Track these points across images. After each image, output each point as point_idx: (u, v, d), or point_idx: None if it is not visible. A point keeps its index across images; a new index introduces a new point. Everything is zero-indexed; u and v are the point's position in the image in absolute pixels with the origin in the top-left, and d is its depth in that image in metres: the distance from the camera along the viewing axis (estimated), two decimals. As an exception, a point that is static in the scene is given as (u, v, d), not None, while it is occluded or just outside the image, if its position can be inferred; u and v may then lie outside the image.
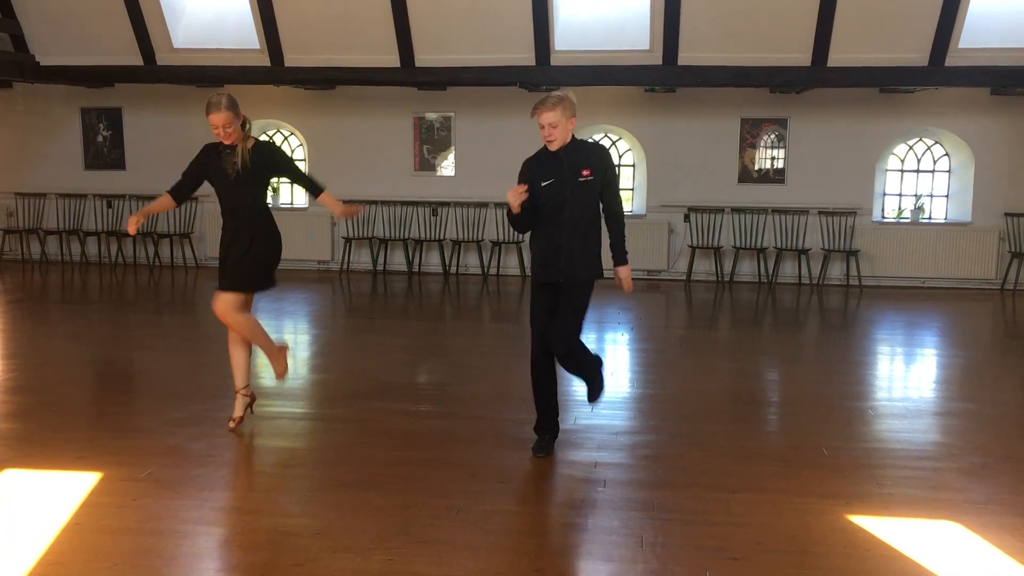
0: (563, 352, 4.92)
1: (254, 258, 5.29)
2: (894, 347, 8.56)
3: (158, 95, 12.71)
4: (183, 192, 5.36)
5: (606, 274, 5.01)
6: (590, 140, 5.05)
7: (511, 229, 8.28)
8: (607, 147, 5.59)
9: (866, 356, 8.17)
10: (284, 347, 5.73)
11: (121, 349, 8.18)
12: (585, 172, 4.83)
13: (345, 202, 5.71)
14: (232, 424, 5.44)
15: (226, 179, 5.21)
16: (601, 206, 4.99)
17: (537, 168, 4.89)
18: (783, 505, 4.35)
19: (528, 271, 8.60)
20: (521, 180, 4.90)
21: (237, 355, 5.48)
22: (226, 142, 5.18)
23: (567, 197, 4.82)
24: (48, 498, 4.34)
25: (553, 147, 4.84)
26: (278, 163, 5.39)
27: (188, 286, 11.55)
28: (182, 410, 5.81)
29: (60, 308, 10.27)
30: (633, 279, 5.16)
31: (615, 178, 5.06)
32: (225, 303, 5.27)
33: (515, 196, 4.73)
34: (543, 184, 4.84)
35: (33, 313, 9.75)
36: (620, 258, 5.07)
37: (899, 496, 4.52)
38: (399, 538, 3.93)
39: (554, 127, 4.76)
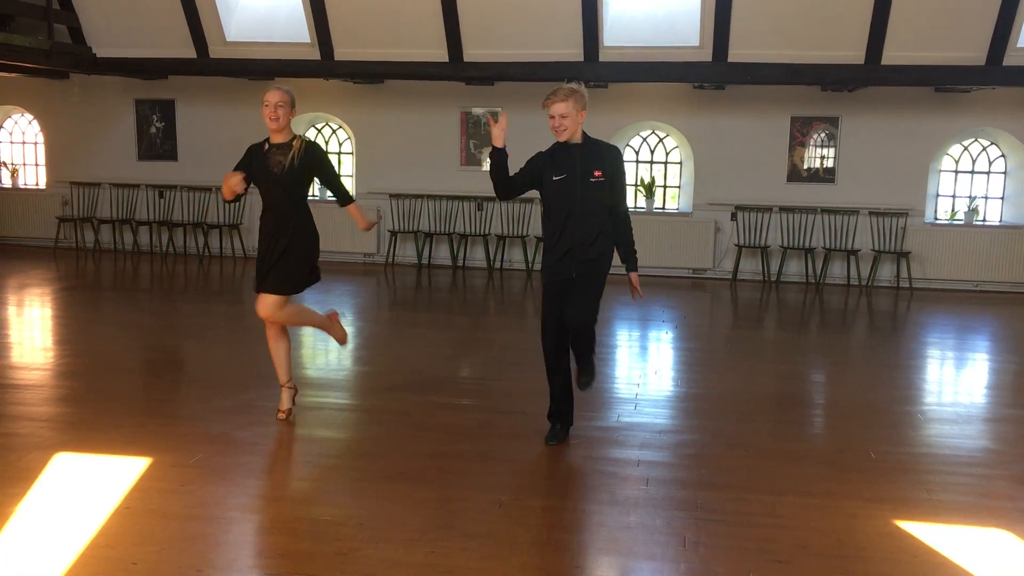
0: (580, 323, 4.91)
1: (294, 263, 5.29)
2: (944, 351, 8.41)
3: (210, 87, 12.92)
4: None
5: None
6: (603, 141, 5.07)
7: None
8: (620, 149, 5.57)
9: (916, 360, 8.02)
10: (334, 315, 5.85)
11: (171, 337, 8.32)
12: (597, 173, 4.88)
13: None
14: (282, 415, 5.51)
15: (270, 176, 5.20)
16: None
17: (549, 162, 4.93)
18: (829, 509, 4.30)
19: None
20: (529, 169, 4.97)
21: (279, 350, 5.52)
22: (271, 125, 5.19)
23: (578, 195, 4.86)
24: (99, 482, 4.43)
25: (562, 138, 4.89)
26: (323, 166, 5.37)
27: (237, 276, 11.70)
28: (230, 399, 5.90)
29: (112, 296, 10.48)
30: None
31: (623, 179, 5.10)
32: (268, 306, 5.30)
33: (499, 130, 4.84)
34: (555, 179, 4.88)
35: (86, 300, 9.96)
36: (632, 264, 5.10)
37: (948, 502, 4.44)
38: (441, 530, 3.95)
39: (564, 118, 4.81)
